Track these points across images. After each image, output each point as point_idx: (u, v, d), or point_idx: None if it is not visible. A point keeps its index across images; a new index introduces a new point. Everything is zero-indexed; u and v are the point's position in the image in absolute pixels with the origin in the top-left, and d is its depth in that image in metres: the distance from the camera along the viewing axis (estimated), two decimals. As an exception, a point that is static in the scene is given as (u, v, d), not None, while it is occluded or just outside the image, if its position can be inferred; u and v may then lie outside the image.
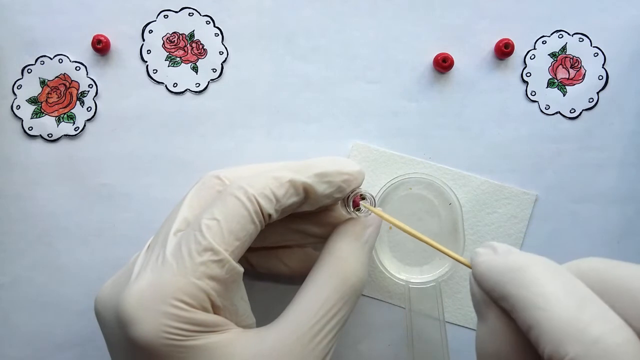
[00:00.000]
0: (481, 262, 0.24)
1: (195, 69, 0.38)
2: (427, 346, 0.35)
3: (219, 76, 0.38)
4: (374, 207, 0.30)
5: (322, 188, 0.28)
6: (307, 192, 0.28)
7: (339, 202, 0.31)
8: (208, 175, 0.30)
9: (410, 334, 0.35)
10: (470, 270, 0.25)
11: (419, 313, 0.35)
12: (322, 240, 0.31)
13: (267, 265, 0.34)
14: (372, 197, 0.30)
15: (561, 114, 0.38)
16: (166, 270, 0.25)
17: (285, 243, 0.33)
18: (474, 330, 0.37)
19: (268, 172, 0.28)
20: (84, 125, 0.37)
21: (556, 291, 0.21)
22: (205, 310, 0.26)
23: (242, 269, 0.27)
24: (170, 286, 0.25)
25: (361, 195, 0.30)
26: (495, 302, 0.23)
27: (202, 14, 0.38)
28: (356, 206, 0.30)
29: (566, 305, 0.20)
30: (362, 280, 0.29)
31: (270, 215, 0.27)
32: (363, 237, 0.30)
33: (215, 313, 0.26)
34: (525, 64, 0.38)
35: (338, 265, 0.29)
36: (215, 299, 0.26)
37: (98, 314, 0.28)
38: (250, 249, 0.29)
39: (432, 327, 0.35)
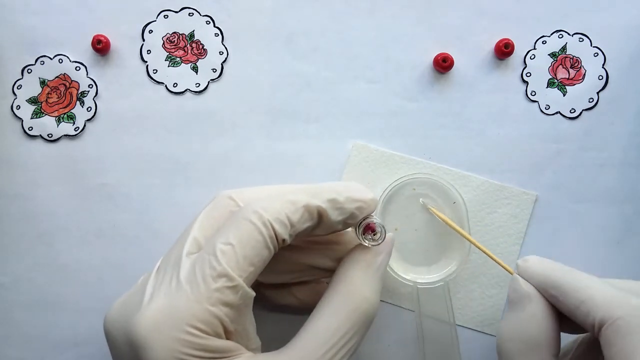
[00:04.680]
0: (533, 264, 0.31)
1: (195, 69, 0.38)
2: (437, 347, 0.35)
3: (219, 76, 0.38)
4: (384, 237, 0.30)
5: (335, 214, 0.28)
6: (321, 217, 0.28)
7: (351, 228, 0.31)
8: (220, 195, 0.30)
9: (421, 335, 0.35)
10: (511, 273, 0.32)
11: (428, 314, 0.35)
12: (332, 274, 0.31)
13: (277, 296, 0.34)
14: (383, 226, 0.30)
15: (561, 114, 0.38)
16: (180, 295, 0.25)
17: (297, 280, 0.33)
18: (475, 330, 0.37)
19: (282, 195, 0.28)
20: (84, 125, 0.37)
21: (596, 279, 0.29)
22: (218, 336, 0.26)
23: (254, 293, 0.27)
24: (184, 312, 0.25)
25: (373, 223, 0.30)
26: (543, 292, 0.30)
27: (202, 14, 0.38)
28: (367, 234, 0.30)
29: (606, 285, 0.28)
30: (374, 309, 0.29)
31: (284, 240, 0.27)
32: (375, 264, 0.30)
33: (227, 338, 0.26)
34: (525, 64, 0.38)
35: (350, 294, 0.29)
36: (228, 324, 0.26)
37: (108, 334, 0.28)
38: (261, 284, 0.29)
39: (441, 328, 0.35)
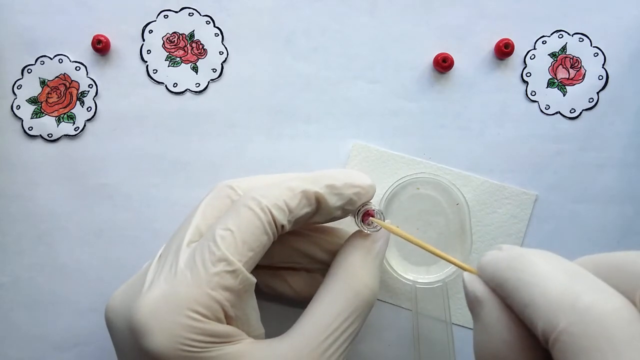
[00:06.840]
0: (487, 259, 0.23)
1: (195, 69, 0.38)
2: (432, 346, 0.35)
3: (219, 76, 0.38)
4: (383, 222, 0.30)
5: (333, 200, 0.28)
6: (319, 203, 0.28)
7: (350, 215, 0.31)
8: (221, 184, 0.30)
9: (417, 333, 0.35)
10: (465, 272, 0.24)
11: (425, 313, 0.35)
12: (327, 267, 0.31)
13: (272, 284, 0.34)
14: (381, 212, 0.30)
15: (561, 114, 0.38)
16: (180, 280, 0.25)
17: (291, 264, 0.33)
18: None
19: (281, 182, 0.28)
20: (84, 125, 0.37)
21: (550, 270, 0.20)
22: (219, 320, 0.26)
23: (254, 279, 0.27)
24: (184, 297, 0.25)
25: (372, 209, 0.30)
26: (494, 292, 0.22)
27: (202, 14, 0.38)
28: (366, 220, 0.30)
29: (559, 279, 0.20)
30: (374, 294, 0.29)
31: (283, 226, 0.27)
32: (374, 250, 0.30)
33: (228, 323, 0.26)
34: (525, 64, 0.38)
35: (350, 279, 0.29)
36: (228, 309, 0.26)
37: (109, 323, 0.28)
38: (256, 267, 0.29)
39: (438, 327, 0.35)
